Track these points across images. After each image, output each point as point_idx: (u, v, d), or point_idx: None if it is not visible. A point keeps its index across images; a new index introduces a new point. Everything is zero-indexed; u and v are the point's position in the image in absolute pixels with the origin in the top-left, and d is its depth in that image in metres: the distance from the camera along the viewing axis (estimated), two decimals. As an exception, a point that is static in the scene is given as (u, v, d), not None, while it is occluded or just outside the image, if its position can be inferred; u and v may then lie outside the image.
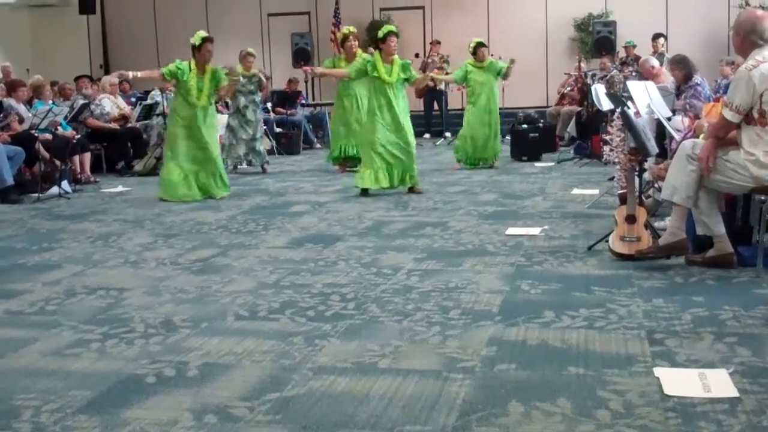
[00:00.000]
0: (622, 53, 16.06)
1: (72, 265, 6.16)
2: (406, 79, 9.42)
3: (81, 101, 11.99)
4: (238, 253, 6.44)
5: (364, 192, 9.25)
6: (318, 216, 8.10)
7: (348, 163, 11.74)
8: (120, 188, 10.68)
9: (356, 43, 11.62)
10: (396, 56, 9.39)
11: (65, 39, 20.32)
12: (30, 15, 20.75)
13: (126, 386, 3.62)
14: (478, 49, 11.74)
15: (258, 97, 12.17)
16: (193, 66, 9.43)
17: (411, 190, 9.38)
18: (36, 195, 9.72)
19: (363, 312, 4.66)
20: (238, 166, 12.12)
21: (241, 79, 11.27)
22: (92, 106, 12.20)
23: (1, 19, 19.95)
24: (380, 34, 9.44)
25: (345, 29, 11.73)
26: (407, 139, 9.29)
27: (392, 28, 9.58)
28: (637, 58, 13.99)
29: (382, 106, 9.27)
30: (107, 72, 19.24)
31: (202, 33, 9.52)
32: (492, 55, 12.37)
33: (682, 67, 8.57)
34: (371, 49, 10.84)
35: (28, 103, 11.32)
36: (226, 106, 13.20)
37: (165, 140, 9.82)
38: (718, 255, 5.33)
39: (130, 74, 9.83)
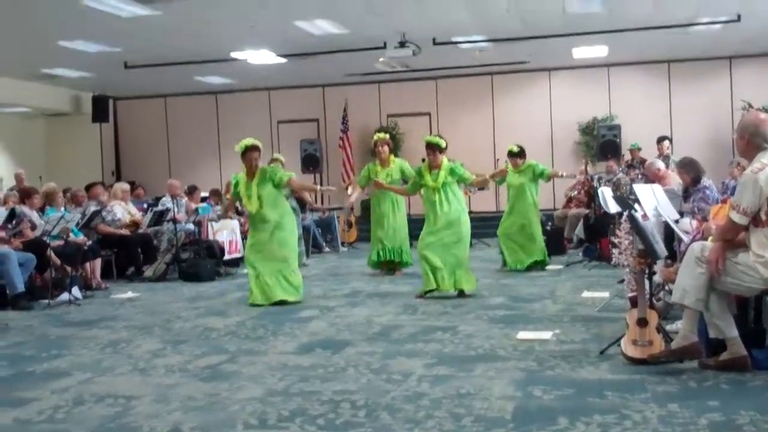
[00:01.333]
0: (627, 156, 16.21)
1: (81, 373, 6.13)
2: (462, 181, 9.50)
3: (93, 208, 12.09)
4: (247, 359, 6.41)
5: (424, 294, 9.31)
6: (327, 321, 8.07)
7: (387, 266, 11.74)
8: (130, 294, 10.67)
9: (386, 149, 11.67)
10: (445, 160, 9.47)
11: (78, 146, 20.67)
12: (45, 123, 21.16)
13: (134, 498, 3.57)
14: (509, 158, 11.83)
15: (293, 201, 12.12)
16: (243, 173, 9.49)
17: (460, 293, 9.30)
18: (46, 301, 9.73)
19: (374, 420, 4.61)
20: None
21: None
22: (104, 213, 12.30)
23: (17, 126, 20.35)
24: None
25: (375, 136, 11.83)
26: (450, 241, 9.28)
27: (433, 139, 9.55)
28: (642, 161, 14.14)
29: (428, 211, 9.42)
30: (119, 179, 19.49)
31: (247, 141, 9.44)
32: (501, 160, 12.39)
33: (690, 170, 8.66)
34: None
35: (41, 210, 11.43)
36: (238, 212, 13.28)
37: None
38: (732, 358, 5.29)
39: (218, 218, 10.76)
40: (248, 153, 9.39)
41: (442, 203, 9.33)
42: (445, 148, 9.57)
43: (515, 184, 11.71)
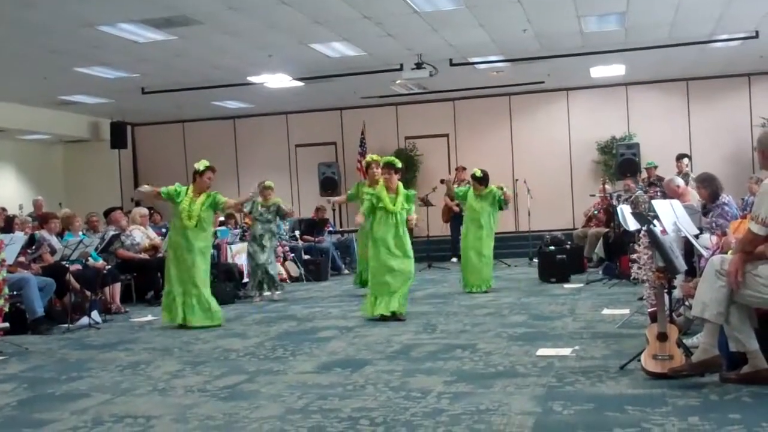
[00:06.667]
0: (644, 174, 16.15)
1: (100, 394, 6.14)
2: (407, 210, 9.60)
3: (111, 232, 12.15)
4: (266, 379, 6.40)
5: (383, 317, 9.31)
6: (346, 340, 8.06)
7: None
8: (149, 317, 10.69)
9: (379, 170, 11.71)
10: (401, 186, 9.63)
11: (97, 173, 20.83)
12: (64, 150, 21.34)
13: None
14: (472, 181, 12.25)
15: (275, 226, 12.34)
16: (190, 191, 9.76)
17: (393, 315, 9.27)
18: (66, 325, 9.75)
19: (392, 436, 4.58)
20: (263, 293, 12.15)
21: (259, 207, 12.00)
22: (123, 237, 12.36)
23: (36, 153, 20.55)
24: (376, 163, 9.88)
25: (369, 157, 11.93)
26: (409, 267, 9.41)
27: (389, 159, 9.80)
28: (660, 179, 14.07)
29: (385, 234, 9.40)
30: (138, 205, 19.58)
31: (206, 162, 9.88)
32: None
33: (708, 186, 8.60)
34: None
35: (60, 235, 11.49)
36: (244, 235, 13.48)
37: None
38: (753, 371, 5.23)
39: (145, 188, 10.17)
40: (207, 172, 9.80)
41: (398, 227, 9.42)
42: (401, 169, 9.76)
43: (476, 209, 12.02)
